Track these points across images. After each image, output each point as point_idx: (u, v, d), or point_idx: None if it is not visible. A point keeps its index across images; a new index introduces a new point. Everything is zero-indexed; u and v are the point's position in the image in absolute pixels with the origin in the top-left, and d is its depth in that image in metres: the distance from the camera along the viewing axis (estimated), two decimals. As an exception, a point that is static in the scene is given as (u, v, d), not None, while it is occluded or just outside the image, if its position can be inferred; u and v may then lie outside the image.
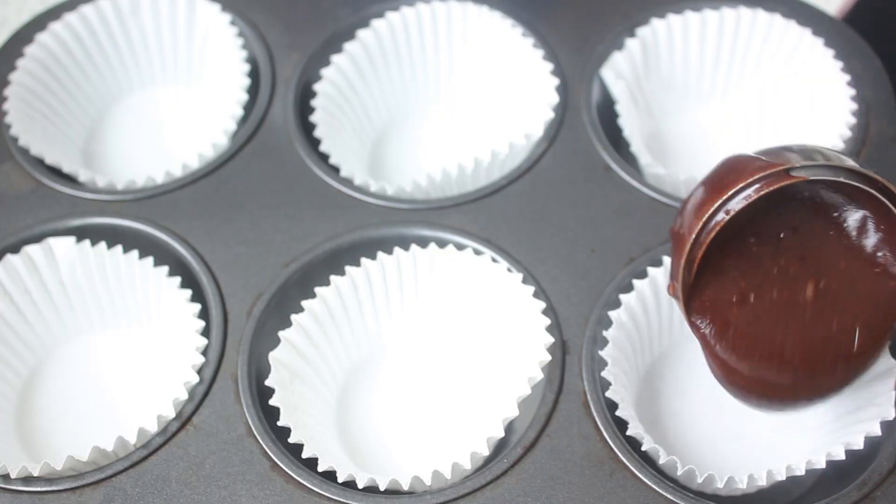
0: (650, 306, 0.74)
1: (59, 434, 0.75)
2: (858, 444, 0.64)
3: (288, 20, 0.91)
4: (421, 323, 0.78)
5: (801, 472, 0.64)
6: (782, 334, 0.64)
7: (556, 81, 0.84)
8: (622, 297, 0.72)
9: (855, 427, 0.66)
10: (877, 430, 0.64)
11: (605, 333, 0.70)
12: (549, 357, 0.68)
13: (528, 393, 0.68)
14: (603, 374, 0.68)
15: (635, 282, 0.73)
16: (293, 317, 0.73)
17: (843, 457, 0.64)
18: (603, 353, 0.69)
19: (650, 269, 0.73)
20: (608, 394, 0.68)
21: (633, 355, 0.74)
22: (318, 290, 0.74)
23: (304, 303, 0.73)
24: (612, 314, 0.71)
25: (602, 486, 0.66)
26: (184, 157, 0.83)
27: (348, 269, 0.75)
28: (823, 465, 0.64)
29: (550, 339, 0.69)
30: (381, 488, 0.65)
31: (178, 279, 0.75)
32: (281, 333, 0.72)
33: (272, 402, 0.68)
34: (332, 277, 0.74)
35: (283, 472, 0.67)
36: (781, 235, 0.64)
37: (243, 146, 0.83)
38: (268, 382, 0.69)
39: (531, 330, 0.71)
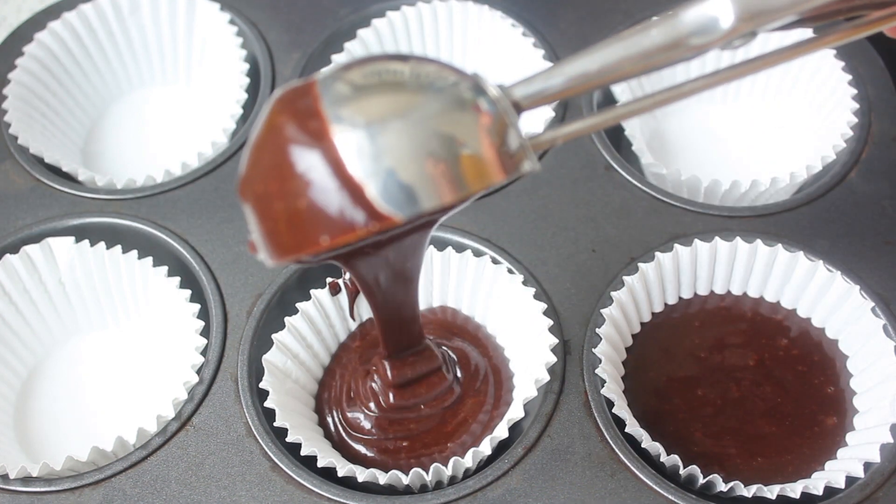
0: (642, 302, 0.73)
1: (59, 434, 0.75)
2: (875, 458, 0.64)
3: (288, 19, 0.91)
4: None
5: (818, 491, 0.64)
6: None
7: (556, 81, 0.84)
8: (613, 293, 0.72)
9: (864, 433, 0.66)
10: (888, 438, 0.65)
11: (597, 331, 0.70)
12: (554, 359, 0.68)
13: (535, 395, 0.67)
14: (597, 371, 0.68)
15: (625, 278, 0.73)
16: (287, 319, 0.72)
17: (861, 474, 0.64)
18: (596, 351, 0.69)
19: (640, 265, 0.73)
20: (603, 391, 0.67)
21: (626, 350, 0.73)
22: (313, 292, 0.73)
23: (299, 305, 0.73)
24: (605, 311, 0.71)
25: (603, 486, 0.65)
26: (184, 157, 0.83)
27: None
28: (842, 485, 0.64)
29: (553, 340, 0.69)
30: (381, 482, 0.65)
31: (177, 279, 0.75)
32: (274, 336, 0.71)
33: (267, 404, 0.68)
34: (329, 279, 0.74)
35: (282, 473, 0.67)
36: None
37: (243, 146, 0.83)
38: (262, 385, 0.69)
39: (533, 331, 0.70)
